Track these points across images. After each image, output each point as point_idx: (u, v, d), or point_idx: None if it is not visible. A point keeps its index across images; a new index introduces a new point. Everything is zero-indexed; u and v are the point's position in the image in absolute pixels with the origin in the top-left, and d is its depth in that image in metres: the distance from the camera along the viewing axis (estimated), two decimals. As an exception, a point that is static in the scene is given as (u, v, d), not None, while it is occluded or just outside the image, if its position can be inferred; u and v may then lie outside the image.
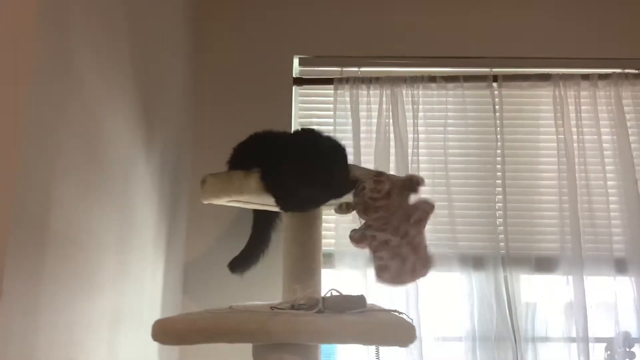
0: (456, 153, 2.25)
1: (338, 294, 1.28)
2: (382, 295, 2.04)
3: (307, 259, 1.62)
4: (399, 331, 1.08)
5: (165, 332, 1.00)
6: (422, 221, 1.37)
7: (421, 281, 2.02)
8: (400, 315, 1.29)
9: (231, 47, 2.35)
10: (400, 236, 1.34)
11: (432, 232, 2.12)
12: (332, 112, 2.28)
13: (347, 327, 1.01)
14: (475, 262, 2.14)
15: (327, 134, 1.60)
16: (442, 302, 2.10)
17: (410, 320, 1.25)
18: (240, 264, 1.77)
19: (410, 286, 2.04)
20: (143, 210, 1.70)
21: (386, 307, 1.40)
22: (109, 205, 1.39)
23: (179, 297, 2.12)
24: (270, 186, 1.51)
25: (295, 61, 2.34)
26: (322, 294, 1.27)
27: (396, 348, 1.96)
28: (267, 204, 1.60)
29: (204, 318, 1.01)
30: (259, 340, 0.98)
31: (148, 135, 1.72)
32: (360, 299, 1.28)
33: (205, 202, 1.67)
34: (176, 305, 2.07)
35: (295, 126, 2.29)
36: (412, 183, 1.41)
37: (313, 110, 2.36)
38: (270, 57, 2.33)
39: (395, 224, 1.35)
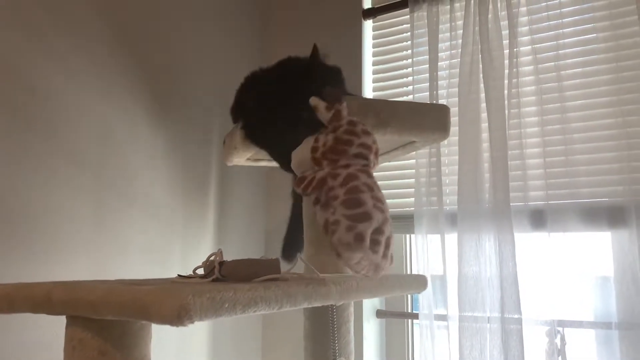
0: (574, 58, 1.58)
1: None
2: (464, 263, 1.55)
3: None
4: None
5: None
6: None
7: (520, 244, 1.49)
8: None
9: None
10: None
11: (540, 178, 1.54)
12: (409, 43, 1.84)
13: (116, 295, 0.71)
14: (610, 215, 1.47)
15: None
16: (557, 275, 1.48)
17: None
18: (293, 251, 1.51)
19: (500, 245, 1.50)
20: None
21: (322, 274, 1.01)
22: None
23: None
24: (245, 132, 1.26)
25: (366, -14, 1.97)
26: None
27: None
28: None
29: (16, 286, 0.84)
30: (45, 311, 0.77)
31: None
32: (272, 264, 0.95)
33: (229, 164, 1.52)
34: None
35: (367, 65, 1.92)
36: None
37: (389, 44, 1.95)
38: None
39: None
